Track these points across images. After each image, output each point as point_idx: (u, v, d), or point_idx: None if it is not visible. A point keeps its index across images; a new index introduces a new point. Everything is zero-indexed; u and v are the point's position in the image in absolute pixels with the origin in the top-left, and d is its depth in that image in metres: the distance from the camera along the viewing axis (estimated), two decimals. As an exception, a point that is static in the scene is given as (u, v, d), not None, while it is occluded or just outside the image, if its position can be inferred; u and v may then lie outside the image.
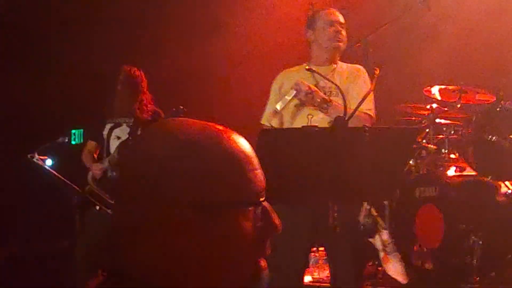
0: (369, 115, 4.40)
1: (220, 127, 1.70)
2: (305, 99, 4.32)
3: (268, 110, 4.63)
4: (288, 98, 4.34)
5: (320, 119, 4.36)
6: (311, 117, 4.42)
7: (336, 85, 4.30)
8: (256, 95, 5.67)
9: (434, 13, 6.35)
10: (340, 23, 4.60)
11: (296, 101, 4.40)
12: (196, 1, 7.96)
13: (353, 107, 4.10)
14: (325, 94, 4.41)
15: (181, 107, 5.48)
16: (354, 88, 4.48)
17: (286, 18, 7.68)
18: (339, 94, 4.29)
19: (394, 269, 4.76)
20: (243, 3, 7.87)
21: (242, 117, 6.53)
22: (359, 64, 4.82)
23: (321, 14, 4.66)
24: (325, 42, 4.57)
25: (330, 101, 4.32)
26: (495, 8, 7.01)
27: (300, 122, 4.39)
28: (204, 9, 7.94)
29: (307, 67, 4.50)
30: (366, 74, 4.61)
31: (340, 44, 4.58)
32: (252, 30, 7.84)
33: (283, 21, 7.76)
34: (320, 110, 4.35)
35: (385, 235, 4.62)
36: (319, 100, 4.30)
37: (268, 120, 4.62)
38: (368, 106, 4.36)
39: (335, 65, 4.59)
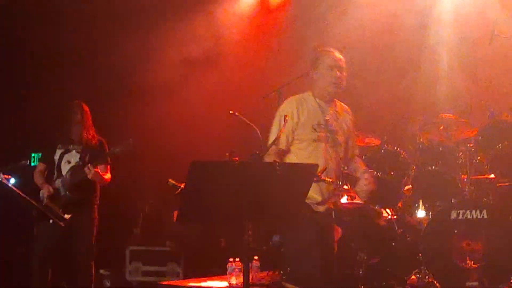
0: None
1: None
2: None
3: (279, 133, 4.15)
4: None
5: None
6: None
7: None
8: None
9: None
10: (340, 67, 4.23)
11: (315, 136, 4.14)
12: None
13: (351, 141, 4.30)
14: (332, 131, 4.19)
15: (130, 139, 5.51)
16: (350, 125, 4.35)
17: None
18: (344, 135, 4.25)
19: None
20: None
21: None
22: (274, 110, 4.81)
23: (324, 58, 4.25)
24: (325, 85, 4.23)
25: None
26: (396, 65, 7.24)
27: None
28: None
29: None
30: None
31: (338, 90, 4.26)
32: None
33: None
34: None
35: None
36: None
37: (277, 141, 4.13)
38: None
39: (331, 104, 4.30)
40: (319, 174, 6.00)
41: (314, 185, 4.02)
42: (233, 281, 5.74)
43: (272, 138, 4.16)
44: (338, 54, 4.27)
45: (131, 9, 7.73)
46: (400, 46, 7.18)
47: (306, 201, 4.05)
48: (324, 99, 4.24)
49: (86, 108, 5.91)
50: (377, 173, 5.64)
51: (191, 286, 5.94)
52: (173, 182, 5.80)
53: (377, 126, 6.45)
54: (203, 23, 8.15)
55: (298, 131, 4.17)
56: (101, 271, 7.46)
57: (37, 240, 5.75)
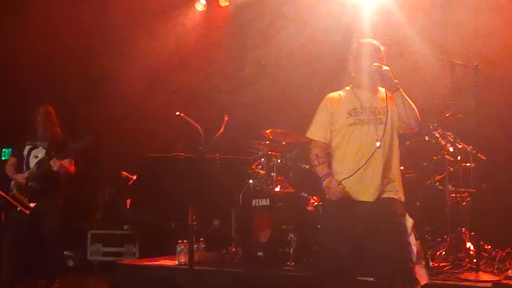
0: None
1: None
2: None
3: (316, 126, 3.92)
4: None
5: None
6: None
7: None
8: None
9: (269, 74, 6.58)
10: (379, 58, 3.82)
11: (351, 121, 3.78)
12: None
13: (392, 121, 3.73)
14: (372, 113, 3.77)
15: (90, 137, 5.55)
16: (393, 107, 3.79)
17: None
18: (385, 113, 3.74)
19: (420, 272, 3.80)
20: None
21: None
22: (222, 112, 4.76)
23: (364, 50, 3.85)
24: (363, 75, 3.83)
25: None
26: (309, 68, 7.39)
27: (354, 146, 3.76)
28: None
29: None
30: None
31: (375, 79, 3.80)
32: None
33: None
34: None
35: (418, 244, 3.82)
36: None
37: (315, 135, 3.91)
38: None
39: (371, 92, 3.87)
40: (254, 167, 6.15)
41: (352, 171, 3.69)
42: (182, 259, 5.83)
43: (309, 132, 3.96)
44: (378, 46, 3.88)
45: (98, 20, 7.76)
46: (327, 57, 7.33)
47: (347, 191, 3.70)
48: (362, 88, 3.86)
49: (51, 109, 5.97)
50: (305, 166, 5.72)
51: (146, 264, 5.99)
52: (126, 174, 5.86)
53: (308, 125, 6.57)
54: (159, 35, 8.23)
55: (334, 120, 3.85)
56: (65, 252, 7.48)
57: (6, 226, 5.75)
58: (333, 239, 3.74)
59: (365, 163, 3.68)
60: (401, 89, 3.71)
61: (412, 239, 3.74)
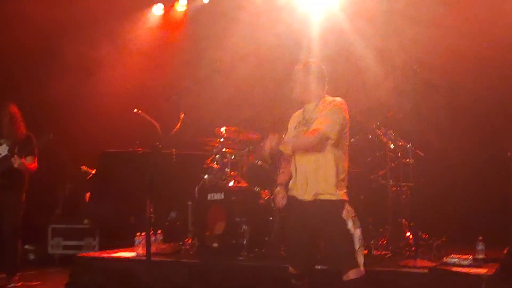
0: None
1: None
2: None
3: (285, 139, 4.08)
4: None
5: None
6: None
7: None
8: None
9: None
10: (295, 79, 3.96)
11: (294, 133, 4.00)
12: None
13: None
14: (309, 124, 3.88)
15: (51, 134, 5.44)
16: (321, 116, 3.87)
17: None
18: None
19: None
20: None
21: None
22: (178, 110, 4.74)
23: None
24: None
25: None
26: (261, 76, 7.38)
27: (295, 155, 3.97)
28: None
29: None
30: (338, 105, 3.91)
31: (294, 97, 3.97)
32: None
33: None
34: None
35: (359, 231, 3.78)
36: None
37: (282, 146, 4.01)
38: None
39: (315, 103, 3.93)
40: (209, 162, 6.14)
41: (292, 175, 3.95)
42: (140, 251, 5.74)
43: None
44: (297, 68, 4.03)
45: (58, 19, 7.55)
46: (279, 60, 7.37)
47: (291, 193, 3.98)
48: (306, 102, 3.99)
49: (14, 108, 5.85)
50: (257, 162, 5.74)
51: (105, 256, 5.88)
52: (85, 168, 5.75)
53: (260, 125, 6.60)
54: (118, 36, 8.11)
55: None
56: (26, 246, 7.31)
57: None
58: (288, 233, 4.05)
59: (296, 169, 3.94)
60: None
61: (352, 228, 3.77)
